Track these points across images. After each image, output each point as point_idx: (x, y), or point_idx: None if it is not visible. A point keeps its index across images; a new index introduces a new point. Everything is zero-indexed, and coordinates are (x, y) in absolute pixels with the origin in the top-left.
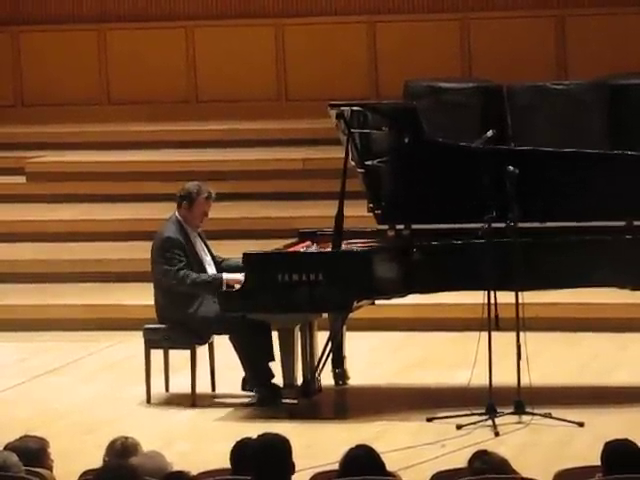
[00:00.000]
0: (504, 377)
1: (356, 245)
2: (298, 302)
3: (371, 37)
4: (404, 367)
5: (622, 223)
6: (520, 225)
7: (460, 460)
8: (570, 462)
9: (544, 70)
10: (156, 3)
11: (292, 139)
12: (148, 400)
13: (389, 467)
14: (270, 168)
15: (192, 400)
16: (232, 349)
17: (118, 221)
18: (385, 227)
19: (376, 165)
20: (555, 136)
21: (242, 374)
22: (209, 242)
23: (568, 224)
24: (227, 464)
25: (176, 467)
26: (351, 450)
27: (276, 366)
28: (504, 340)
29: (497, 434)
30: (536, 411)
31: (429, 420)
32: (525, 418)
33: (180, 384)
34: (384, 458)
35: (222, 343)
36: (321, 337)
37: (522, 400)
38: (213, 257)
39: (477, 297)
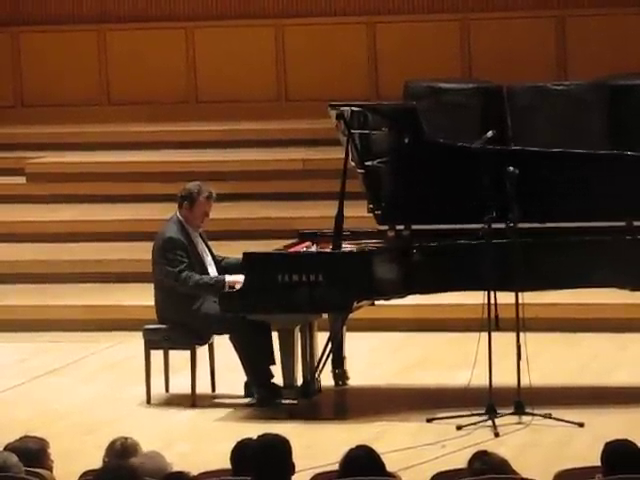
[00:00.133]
0: (504, 377)
1: (354, 245)
2: (298, 302)
3: (371, 38)
4: (404, 367)
5: (622, 223)
6: (520, 225)
7: (460, 461)
8: (570, 462)
9: (544, 71)
10: (156, 4)
11: (292, 139)
12: (148, 401)
13: (389, 468)
14: (270, 168)
15: (192, 400)
16: (232, 350)
17: (118, 222)
18: (385, 228)
19: (376, 166)
20: (555, 137)
21: (242, 375)
22: (209, 243)
23: (568, 224)
24: (227, 465)
25: (176, 468)
26: (351, 450)
27: (276, 366)
28: (504, 340)
29: (497, 435)
30: (536, 411)
31: (429, 421)
32: (525, 418)
33: (180, 384)
34: (384, 458)
35: (222, 344)
36: (321, 338)
37: (522, 400)
38: (214, 257)
39: (477, 298)
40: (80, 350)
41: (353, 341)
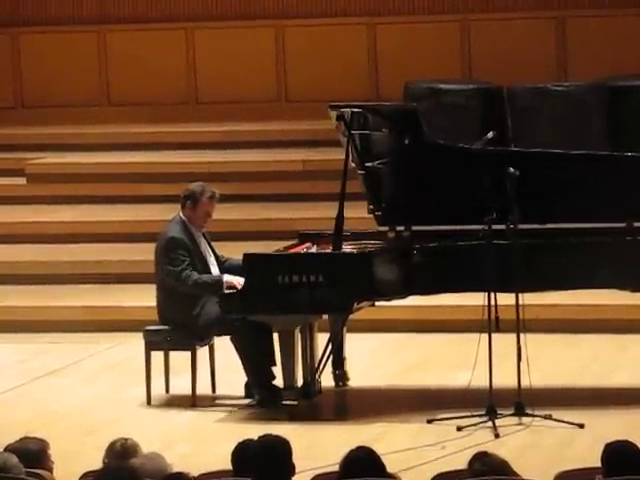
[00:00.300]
0: (504, 379)
1: (354, 246)
2: (298, 303)
3: (371, 38)
4: (404, 368)
5: (622, 224)
6: (520, 226)
7: (460, 462)
8: (570, 464)
9: (544, 71)
10: (156, 4)
11: (292, 140)
12: (148, 402)
13: (389, 468)
14: (270, 169)
15: (192, 401)
16: (232, 351)
17: (118, 222)
18: (385, 228)
19: (376, 166)
20: (555, 137)
21: (242, 376)
22: (212, 243)
23: (568, 225)
24: (227, 466)
25: (176, 469)
26: (351, 452)
27: (276, 367)
28: (504, 342)
29: (497, 436)
30: (536, 412)
31: (429, 422)
32: (525, 420)
33: (180, 385)
34: (384, 459)
35: (222, 345)
36: (321, 339)
37: (522, 401)
38: (217, 257)
39: (477, 299)
40: (80, 351)
41: (353, 342)
